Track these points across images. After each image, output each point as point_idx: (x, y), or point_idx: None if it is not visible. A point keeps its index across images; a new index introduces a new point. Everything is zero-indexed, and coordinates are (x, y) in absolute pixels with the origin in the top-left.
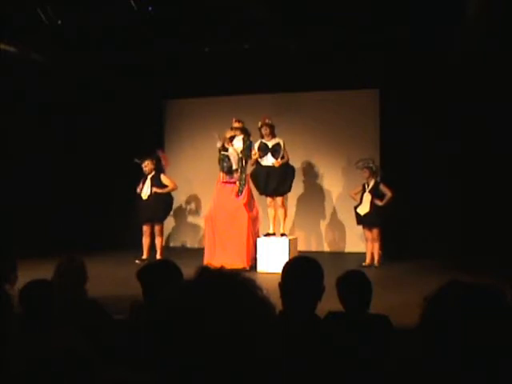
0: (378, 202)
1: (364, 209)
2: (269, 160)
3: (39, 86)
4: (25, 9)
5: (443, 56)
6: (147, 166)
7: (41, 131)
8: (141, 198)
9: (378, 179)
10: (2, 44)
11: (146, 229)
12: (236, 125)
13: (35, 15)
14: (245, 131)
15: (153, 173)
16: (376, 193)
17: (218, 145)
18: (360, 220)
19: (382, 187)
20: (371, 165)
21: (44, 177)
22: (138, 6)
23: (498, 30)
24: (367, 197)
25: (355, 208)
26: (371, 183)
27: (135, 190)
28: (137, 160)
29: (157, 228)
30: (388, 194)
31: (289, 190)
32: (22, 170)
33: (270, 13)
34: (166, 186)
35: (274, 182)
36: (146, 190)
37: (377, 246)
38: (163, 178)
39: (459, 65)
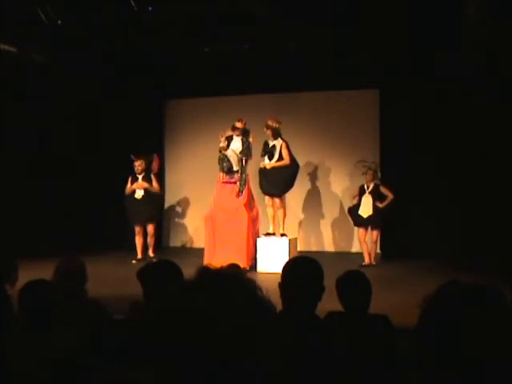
0: (379, 204)
1: (367, 211)
2: (265, 161)
3: (39, 86)
4: (25, 9)
5: (443, 56)
6: (140, 165)
7: (40, 131)
8: (132, 198)
9: (378, 181)
10: (2, 44)
11: (138, 229)
12: (238, 125)
13: (35, 15)
14: (244, 132)
15: (143, 174)
16: (377, 195)
17: (221, 144)
18: (361, 222)
19: (383, 189)
20: (374, 168)
21: (44, 177)
22: (137, 6)
23: (498, 32)
24: (367, 198)
25: (349, 209)
26: (371, 185)
27: (123, 191)
28: (132, 156)
29: (149, 228)
30: (390, 196)
31: (280, 193)
32: (22, 170)
33: (270, 13)
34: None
35: (266, 184)
36: (138, 191)
37: (374, 246)
38: (153, 180)
39: (459, 65)
